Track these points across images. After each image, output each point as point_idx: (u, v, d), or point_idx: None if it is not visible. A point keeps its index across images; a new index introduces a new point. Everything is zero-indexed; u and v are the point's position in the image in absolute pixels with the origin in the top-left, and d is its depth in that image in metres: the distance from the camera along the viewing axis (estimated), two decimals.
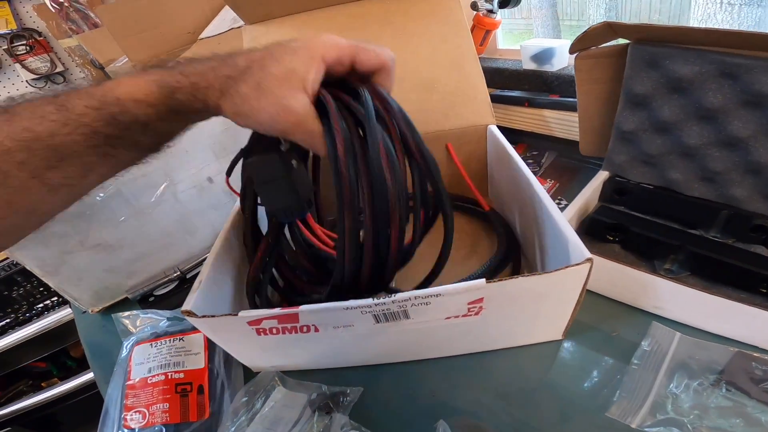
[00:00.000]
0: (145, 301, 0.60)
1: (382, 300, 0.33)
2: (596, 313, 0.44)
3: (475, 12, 0.74)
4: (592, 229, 0.50)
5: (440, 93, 0.56)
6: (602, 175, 0.55)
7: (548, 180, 0.65)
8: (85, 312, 0.60)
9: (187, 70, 0.31)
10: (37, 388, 1.35)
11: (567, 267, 0.32)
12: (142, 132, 0.31)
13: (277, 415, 0.39)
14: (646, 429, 0.34)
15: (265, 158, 0.35)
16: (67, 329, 1.19)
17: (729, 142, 0.45)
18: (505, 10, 0.76)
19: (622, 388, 0.36)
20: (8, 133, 0.26)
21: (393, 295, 0.33)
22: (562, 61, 0.68)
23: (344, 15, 0.59)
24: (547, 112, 0.67)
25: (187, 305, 0.35)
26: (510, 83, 0.74)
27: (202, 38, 0.93)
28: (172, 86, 0.30)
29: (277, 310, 0.34)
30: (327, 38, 0.34)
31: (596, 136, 0.56)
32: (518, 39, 1.07)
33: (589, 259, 0.32)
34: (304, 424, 0.39)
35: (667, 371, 0.36)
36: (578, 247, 0.33)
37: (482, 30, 0.74)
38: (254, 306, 0.43)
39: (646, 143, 0.51)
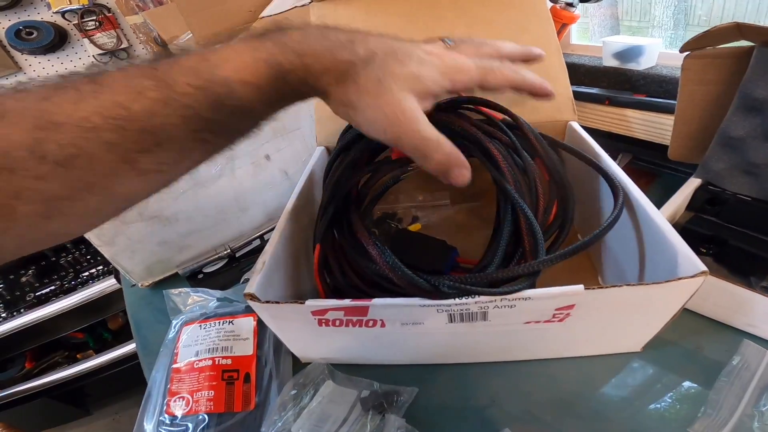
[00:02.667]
0: (194, 277, 0.59)
1: (463, 300, 0.31)
2: (679, 328, 0.40)
3: (552, 4, 0.70)
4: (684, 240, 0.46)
5: None
6: (694, 183, 0.50)
7: None
8: (134, 285, 0.60)
9: (300, 47, 0.28)
10: (73, 360, 1.37)
11: (678, 279, 0.29)
12: (244, 118, 0.27)
13: (324, 411, 0.37)
14: None
15: None
16: (108, 300, 1.20)
17: None
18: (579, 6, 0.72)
19: (708, 404, 0.35)
20: (96, 108, 0.22)
21: (476, 296, 0.30)
22: (650, 60, 0.64)
23: (418, 1, 0.56)
24: (629, 112, 0.62)
25: (250, 288, 0.33)
26: (586, 80, 0.70)
27: (263, 17, 0.92)
28: (285, 68, 0.27)
29: (346, 302, 0.32)
30: (459, 60, 0.32)
31: (691, 141, 0.52)
32: (574, 37, 1.01)
33: (704, 272, 0.29)
34: (354, 422, 0.37)
35: (755, 389, 0.35)
36: (690, 258, 0.30)
37: (558, 23, 0.70)
38: (326, 286, 0.41)
39: (752, 151, 0.46)
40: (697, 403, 0.35)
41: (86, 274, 1.21)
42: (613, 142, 0.66)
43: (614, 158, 0.65)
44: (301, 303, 0.32)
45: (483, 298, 0.30)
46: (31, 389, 1.28)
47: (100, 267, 1.21)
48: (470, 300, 0.30)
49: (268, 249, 0.37)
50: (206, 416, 0.40)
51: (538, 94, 0.35)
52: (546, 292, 0.30)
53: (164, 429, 0.40)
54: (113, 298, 1.20)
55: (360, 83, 0.28)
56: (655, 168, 0.63)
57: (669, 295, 0.31)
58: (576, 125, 0.49)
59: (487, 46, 0.35)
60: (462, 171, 0.30)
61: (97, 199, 0.24)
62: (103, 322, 1.40)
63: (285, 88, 0.27)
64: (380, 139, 0.30)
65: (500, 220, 0.36)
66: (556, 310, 0.32)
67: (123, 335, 1.40)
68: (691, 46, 0.46)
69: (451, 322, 0.33)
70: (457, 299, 0.30)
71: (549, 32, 0.53)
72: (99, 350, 1.36)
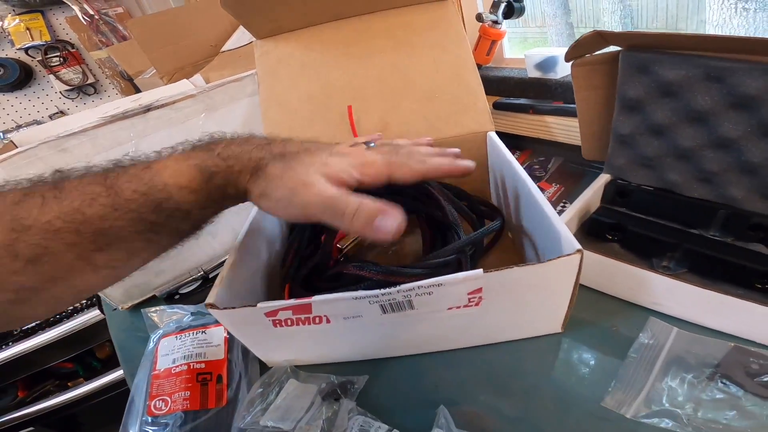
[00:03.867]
0: (171, 298, 0.64)
1: (387, 290, 0.36)
2: (595, 310, 0.45)
3: (480, 23, 0.77)
4: (592, 229, 0.52)
5: (441, 102, 0.59)
6: (603, 178, 0.56)
7: (554, 184, 0.67)
8: (115, 309, 0.64)
9: (224, 152, 0.32)
10: (63, 388, 1.38)
11: (559, 257, 0.34)
12: (183, 219, 0.31)
13: (289, 405, 0.42)
14: (641, 419, 0.35)
15: None
16: (93, 331, 1.23)
17: (722, 144, 0.46)
18: (520, 20, 0.79)
19: (618, 379, 0.38)
20: (59, 213, 0.26)
21: (399, 285, 0.36)
22: (566, 68, 0.69)
23: (349, 29, 0.63)
24: (551, 119, 0.69)
25: (210, 299, 0.38)
26: (516, 91, 0.76)
27: (224, 51, 0.98)
28: (211, 170, 0.31)
29: (292, 301, 0.37)
30: (370, 156, 0.35)
31: (597, 141, 0.58)
32: (532, 47, 1.09)
33: (579, 250, 0.34)
34: (315, 411, 0.41)
35: (663, 364, 0.38)
36: (569, 239, 0.35)
37: (488, 40, 0.76)
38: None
39: (643, 146, 0.52)
40: (611, 378, 0.38)
41: (70, 308, 1.23)
42: (544, 147, 0.73)
43: (548, 162, 0.73)
44: (253, 306, 0.37)
45: (404, 286, 0.35)
46: (25, 416, 1.31)
47: (83, 300, 1.24)
48: (393, 289, 0.36)
49: (225, 266, 0.42)
50: (183, 414, 0.44)
51: (455, 174, 0.38)
52: (453, 278, 0.35)
53: (147, 428, 0.44)
54: (98, 329, 1.23)
55: (268, 172, 0.32)
56: (582, 168, 0.69)
57: (557, 272, 0.36)
58: (493, 135, 0.56)
59: (404, 148, 0.39)
60: (386, 219, 0.29)
61: (59, 290, 0.28)
62: (91, 352, 1.42)
63: (214, 191, 0.31)
64: (291, 215, 0.32)
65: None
66: (469, 294, 0.37)
67: (112, 363, 1.42)
68: (571, 56, 0.52)
69: (385, 312, 0.38)
70: (382, 289, 0.36)
71: (466, 52, 0.60)
72: (89, 378, 1.38)
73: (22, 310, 0.28)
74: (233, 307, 0.38)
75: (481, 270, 0.35)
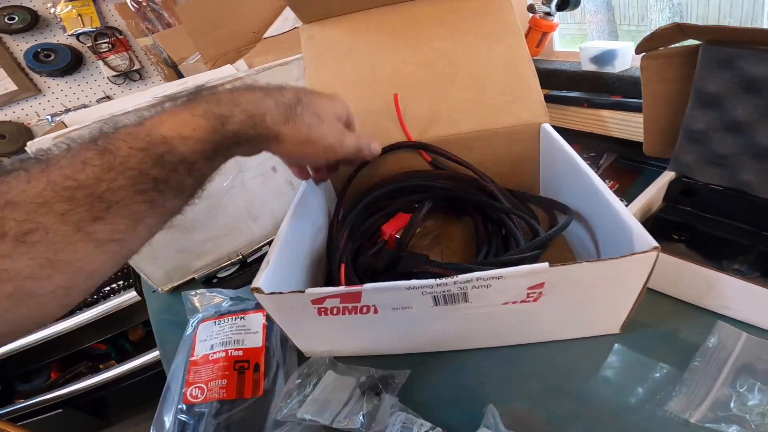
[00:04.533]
0: (209, 282, 0.63)
1: (443, 280, 0.34)
2: (657, 311, 0.43)
3: (531, 14, 0.74)
4: (656, 228, 0.49)
5: (492, 91, 0.56)
6: (668, 176, 0.53)
7: (607, 181, 0.64)
8: (155, 291, 0.65)
9: (236, 99, 0.32)
10: (96, 370, 1.42)
11: (632, 254, 0.32)
12: (187, 172, 0.29)
13: (327, 397, 0.41)
14: (706, 424, 0.33)
15: None
16: (128, 313, 1.26)
17: None
18: (557, 15, 0.76)
19: (683, 384, 0.36)
20: (46, 184, 0.24)
21: (456, 276, 0.34)
22: (625, 62, 0.67)
23: (398, 15, 0.61)
24: (607, 113, 0.66)
25: (256, 282, 0.37)
26: (568, 84, 0.73)
27: (266, 37, 0.98)
28: (224, 116, 0.30)
29: (342, 288, 0.36)
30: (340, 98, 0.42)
31: (662, 137, 0.55)
32: (571, 43, 1.05)
33: (656, 248, 0.32)
34: (354, 404, 0.40)
35: (731, 370, 0.36)
36: (643, 236, 0.33)
37: (539, 32, 0.74)
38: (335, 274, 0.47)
39: (716, 143, 0.49)
40: (674, 383, 0.36)
41: (107, 288, 1.27)
42: (596, 142, 0.70)
43: (600, 158, 0.69)
44: (301, 292, 0.36)
45: (461, 277, 0.34)
46: (55, 398, 1.34)
47: (121, 282, 1.27)
48: (449, 280, 0.34)
49: (273, 249, 0.41)
50: (219, 403, 0.44)
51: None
52: (515, 270, 0.33)
53: (182, 416, 0.44)
54: (133, 311, 1.26)
55: (306, 120, 0.35)
56: (637, 165, 0.66)
57: (628, 271, 0.34)
58: (548, 127, 0.53)
59: None
60: (376, 144, 0.45)
61: (63, 277, 0.25)
62: (125, 334, 1.46)
63: (224, 138, 0.30)
64: (327, 159, 0.39)
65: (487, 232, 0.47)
66: (529, 289, 0.35)
67: (144, 346, 1.46)
68: (644, 48, 0.49)
69: (437, 304, 0.37)
70: (437, 280, 0.34)
71: (520, 42, 0.58)
72: (120, 360, 1.41)
73: (28, 308, 0.24)
74: (280, 292, 0.37)
75: (546, 264, 0.33)
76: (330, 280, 0.51)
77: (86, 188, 0.25)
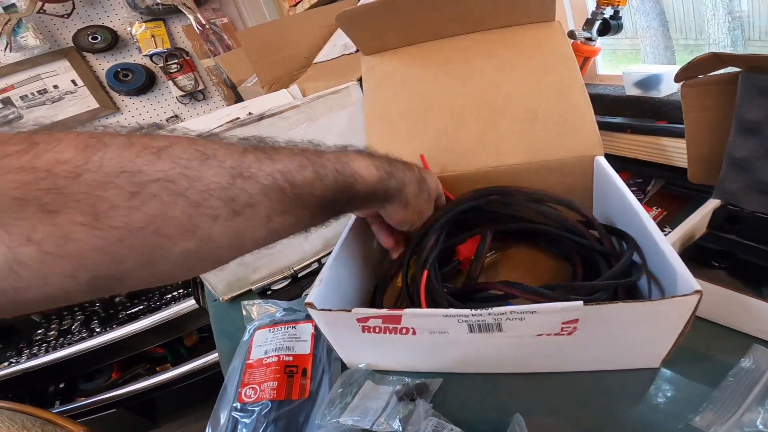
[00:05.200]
0: (263, 294, 0.69)
1: (479, 311, 0.37)
2: (693, 333, 0.41)
3: (572, 40, 0.74)
4: (697, 255, 0.49)
5: (543, 123, 0.57)
6: (712, 203, 0.53)
7: (654, 208, 0.63)
8: (216, 300, 0.72)
9: (394, 165, 0.40)
10: (152, 372, 1.51)
11: (672, 297, 0.32)
12: (349, 202, 0.35)
13: (366, 405, 0.44)
14: None
15: None
16: (185, 320, 1.35)
17: None
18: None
19: (711, 400, 0.36)
20: (273, 170, 0.27)
21: (490, 308, 0.36)
22: (671, 86, 0.66)
23: (451, 47, 0.63)
24: (654, 139, 0.65)
25: (309, 298, 0.42)
26: (611, 109, 0.72)
27: (316, 62, 1.04)
28: (388, 174, 0.38)
29: (384, 310, 0.39)
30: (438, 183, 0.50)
31: (706, 164, 0.54)
32: (623, 61, 1.02)
33: (697, 291, 0.31)
34: (391, 410, 0.43)
35: (762, 389, 0.36)
36: (686, 278, 0.33)
37: (580, 57, 0.73)
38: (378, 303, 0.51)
39: (760, 171, 0.49)
40: (703, 401, 0.37)
41: (169, 296, 1.37)
42: (643, 168, 0.69)
43: (647, 184, 0.68)
44: (348, 311, 0.40)
45: (495, 309, 0.36)
46: (112, 398, 1.43)
47: (181, 290, 1.37)
48: (484, 311, 0.36)
49: (326, 269, 0.45)
50: (270, 402, 0.48)
51: None
52: (549, 307, 0.35)
53: (236, 414, 0.48)
54: (190, 318, 1.35)
55: (410, 191, 0.43)
56: (686, 192, 0.64)
57: (667, 312, 0.34)
58: (602, 161, 0.53)
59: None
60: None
61: (231, 252, 0.27)
62: (180, 339, 1.55)
63: (382, 191, 0.38)
64: (415, 226, 0.48)
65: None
66: (563, 323, 0.36)
67: (197, 351, 1.53)
68: (682, 77, 0.50)
69: (471, 332, 0.39)
70: (473, 311, 0.37)
71: (574, 72, 0.58)
72: (175, 363, 1.50)
73: (186, 269, 0.26)
74: (330, 310, 0.41)
75: (581, 302, 0.34)
76: (375, 296, 0.54)
77: (297, 186, 0.29)
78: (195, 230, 0.24)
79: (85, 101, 1.80)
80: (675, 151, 0.62)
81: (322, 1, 1.42)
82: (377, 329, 0.42)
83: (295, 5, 1.64)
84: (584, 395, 0.41)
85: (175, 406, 1.62)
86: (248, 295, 0.71)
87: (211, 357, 1.44)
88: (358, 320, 0.41)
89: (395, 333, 0.42)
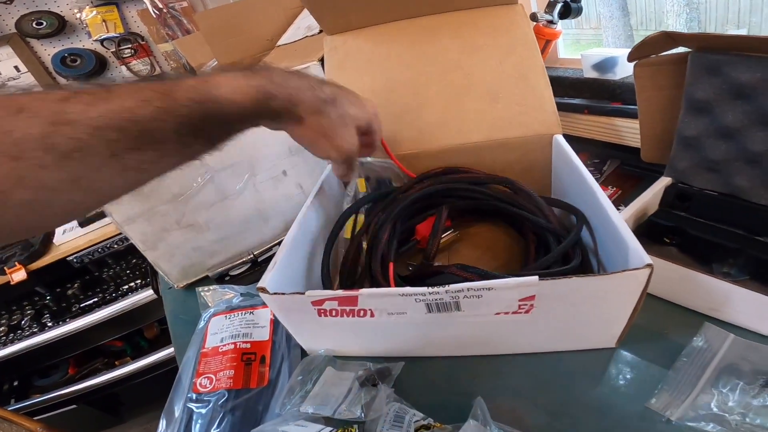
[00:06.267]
0: (221, 280, 0.67)
1: (435, 289, 0.36)
2: (646, 312, 0.42)
3: (534, 23, 0.75)
4: (649, 232, 0.50)
5: (505, 102, 0.58)
6: (664, 181, 0.54)
7: (610, 187, 0.65)
8: (171, 288, 0.69)
9: (286, 81, 0.37)
10: (111, 366, 1.46)
11: (624, 271, 0.33)
12: (221, 128, 0.34)
13: (327, 392, 0.43)
14: (686, 422, 0.34)
15: None
16: (144, 311, 1.30)
17: None
18: (573, 21, 0.76)
19: (666, 381, 0.37)
20: (106, 111, 0.26)
21: (447, 285, 0.36)
22: (626, 69, 0.67)
23: (416, 27, 0.63)
24: (608, 120, 0.67)
25: (262, 282, 0.40)
26: (570, 91, 0.74)
27: (280, 45, 1.01)
28: (271, 93, 0.35)
29: (339, 292, 0.38)
30: (372, 107, 0.46)
31: (658, 143, 0.56)
32: (586, 48, 1.04)
33: (648, 265, 0.32)
34: (353, 397, 0.42)
35: (715, 370, 0.37)
36: (638, 252, 0.33)
37: (542, 40, 0.74)
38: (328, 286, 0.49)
39: (709, 149, 0.50)
40: (658, 382, 0.37)
41: (125, 287, 1.32)
42: (600, 149, 0.71)
43: (603, 164, 0.70)
44: (301, 294, 0.39)
45: (453, 287, 0.35)
46: (70, 394, 1.38)
47: (138, 281, 1.32)
48: (441, 289, 0.36)
49: (280, 251, 0.44)
50: (226, 392, 0.46)
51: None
52: (505, 282, 0.35)
53: (191, 405, 0.46)
54: (149, 309, 1.30)
55: (332, 117, 0.40)
56: (640, 171, 0.66)
57: (620, 286, 0.34)
58: (561, 139, 0.54)
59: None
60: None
61: (79, 194, 0.27)
62: (140, 331, 1.50)
63: (265, 111, 0.36)
64: (320, 151, 0.43)
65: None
66: (520, 300, 0.36)
67: (158, 343, 1.50)
68: (635, 56, 0.50)
69: (430, 312, 0.38)
70: (429, 288, 0.36)
71: (535, 55, 0.59)
72: (135, 357, 1.45)
73: (34, 217, 0.27)
74: (283, 293, 0.40)
75: (536, 277, 0.34)
76: (327, 278, 0.52)
77: (141, 123, 0.28)
78: (23, 181, 0.24)
79: (29, 88, 1.71)
80: (628, 132, 0.64)
81: None
82: (334, 312, 0.41)
83: None
84: (545, 377, 0.42)
85: (140, 400, 1.58)
86: (205, 281, 0.68)
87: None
88: (313, 303, 0.40)
89: (353, 315, 0.41)
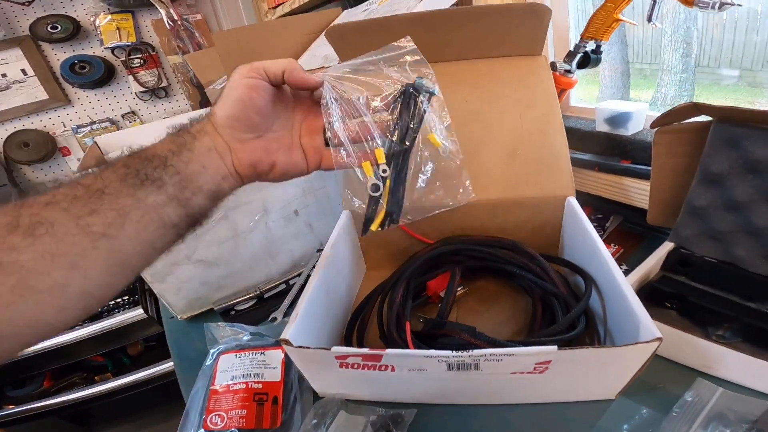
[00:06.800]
0: (227, 314, 0.67)
1: (459, 353, 0.37)
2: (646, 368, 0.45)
3: (552, 71, 0.76)
4: (651, 296, 0.52)
5: (522, 159, 0.58)
6: (667, 246, 0.57)
7: (612, 245, 0.67)
8: (173, 318, 0.68)
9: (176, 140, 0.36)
10: (90, 381, 1.40)
11: (637, 343, 0.35)
12: (161, 168, 0.32)
13: None
14: None
15: None
16: (131, 329, 1.27)
17: None
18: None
19: (659, 431, 0.40)
20: (56, 192, 0.28)
21: (471, 350, 0.37)
22: (638, 125, 0.69)
23: (438, 73, 0.62)
24: (618, 178, 0.68)
25: (285, 335, 0.40)
26: (581, 145, 0.76)
27: None
28: (179, 126, 0.36)
29: (365, 350, 0.39)
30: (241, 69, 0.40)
31: (665, 208, 0.58)
32: (581, 82, 1.05)
33: (658, 338, 0.35)
34: None
35: (704, 420, 0.39)
36: (649, 327, 0.36)
37: (558, 88, 0.75)
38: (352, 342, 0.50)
39: (715, 220, 0.53)
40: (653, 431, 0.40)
41: (112, 303, 1.28)
42: (606, 204, 0.72)
43: (606, 220, 0.72)
44: (327, 349, 0.39)
45: (476, 352, 0.37)
46: (43, 407, 1.32)
47: (126, 297, 1.29)
48: (465, 353, 0.37)
49: (302, 301, 0.44)
50: (238, 431, 0.46)
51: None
52: (527, 351, 0.36)
53: None
54: (136, 327, 1.27)
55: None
56: (641, 230, 0.69)
57: (631, 355, 0.37)
58: (573, 201, 0.55)
59: None
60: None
61: (60, 272, 0.27)
62: (123, 348, 1.45)
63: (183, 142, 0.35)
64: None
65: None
66: (537, 364, 0.38)
67: (141, 361, 1.45)
68: (659, 123, 0.52)
69: (450, 370, 0.40)
70: (454, 352, 0.37)
71: (555, 111, 0.59)
72: (117, 374, 1.40)
73: (27, 305, 0.26)
74: (308, 347, 0.40)
75: (555, 347, 0.36)
76: (350, 332, 0.54)
77: (86, 186, 0.29)
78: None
79: (33, 92, 1.69)
80: (636, 192, 0.66)
81: (303, 7, 1.38)
82: (356, 365, 0.41)
83: (275, 7, 1.59)
84: (548, 425, 0.44)
85: (113, 414, 1.54)
86: (209, 314, 0.68)
87: (159, 368, 1.36)
88: (337, 357, 0.40)
89: (374, 369, 0.41)
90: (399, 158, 0.40)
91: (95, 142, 0.78)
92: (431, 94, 0.41)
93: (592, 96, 1.11)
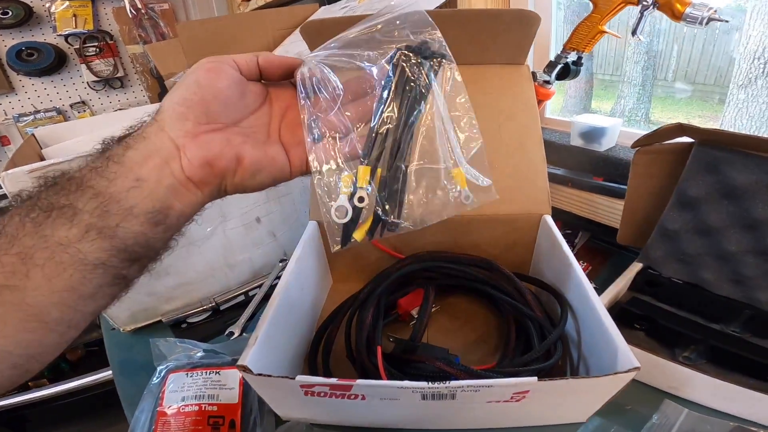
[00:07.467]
0: (178, 326, 0.61)
1: (436, 385, 0.35)
2: None
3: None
4: (621, 317, 0.53)
5: (499, 174, 0.56)
6: (636, 267, 0.57)
7: (581, 261, 0.67)
8: (114, 329, 0.61)
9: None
10: (24, 387, 1.29)
11: (616, 373, 0.35)
12: (75, 192, 0.27)
13: None
14: None
15: None
16: None
17: (765, 251, 0.48)
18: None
19: None
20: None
21: (447, 381, 0.35)
22: (611, 141, 0.69)
23: None
24: (589, 195, 0.68)
25: (243, 360, 0.36)
26: (554, 158, 0.75)
27: None
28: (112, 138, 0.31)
29: (333, 380, 0.36)
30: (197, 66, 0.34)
31: (636, 228, 0.58)
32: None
33: (636, 368, 0.34)
34: None
35: None
36: (627, 355, 0.36)
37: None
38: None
39: (685, 243, 0.53)
40: None
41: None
42: (575, 220, 0.72)
43: (575, 236, 0.72)
44: (291, 379, 0.36)
45: (454, 383, 0.35)
46: None
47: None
48: (441, 385, 0.35)
49: (261, 324, 0.41)
50: None
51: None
52: (505, 382, 0.35)
53: None
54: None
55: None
56: (610, 247, 0.69)
57: (609, 384, 0.36)
58: (549, 220, 0.54)
59: None
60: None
61: (8, 352, 0.24)
62: (62, 353, 1.35)
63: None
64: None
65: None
66: (514, 393, 0.37)
67: (81, 367, 1.37)
68: (642, 143, 0.52)
69: (424, 399, 0.37)
70: (430, 383, 0.35)
71: (534, 123, 0.58)
72: (53, 380, 1.30)
73: None
74: (269, 375, 0.36)
75: (535, 378, 0.35)
76: (315, 351, 0.51)
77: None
78: None
79: None
80: (606, 210, 0.67)
81: (278, 1, 1.33)
82: (322, 394, 0.38)
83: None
84: None
85: (50, 420, 1.41)
86: (157, 326, 0.62)
87: (100, 375, 1.26)
88: (302, 386, 0.37)
89: (343, 398, 0.38)
90: (396, 147, 0.33)
91: (33, 135, 0.70)
92: (441, 57, 0.32)
93: (556, 106, 1.12)
